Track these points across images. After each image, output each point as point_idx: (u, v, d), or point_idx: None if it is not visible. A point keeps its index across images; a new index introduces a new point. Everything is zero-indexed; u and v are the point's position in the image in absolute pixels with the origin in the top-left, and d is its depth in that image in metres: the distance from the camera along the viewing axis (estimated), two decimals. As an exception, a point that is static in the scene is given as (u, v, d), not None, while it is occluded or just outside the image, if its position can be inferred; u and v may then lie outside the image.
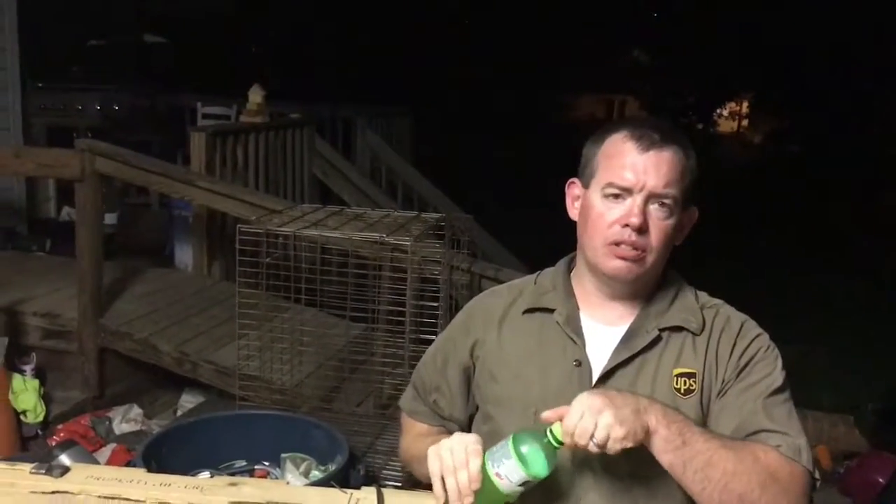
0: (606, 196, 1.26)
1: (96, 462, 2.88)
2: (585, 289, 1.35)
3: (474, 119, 17.62)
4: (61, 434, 3.33)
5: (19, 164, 3.89)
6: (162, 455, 2.42)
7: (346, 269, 2.86)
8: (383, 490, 1.28)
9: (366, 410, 3.11)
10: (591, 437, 1.10)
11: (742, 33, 17.56)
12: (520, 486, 1.14)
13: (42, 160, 3.84)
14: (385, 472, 2.78)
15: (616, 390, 1.19)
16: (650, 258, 1.26)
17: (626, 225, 1.24)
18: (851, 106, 15.43)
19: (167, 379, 3.76)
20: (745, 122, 28.92)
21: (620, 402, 1.13)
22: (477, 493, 1.14)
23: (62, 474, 1.27)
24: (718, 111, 24.73)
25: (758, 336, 1.31)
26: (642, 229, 1.24)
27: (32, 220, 5.50)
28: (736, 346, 1.29)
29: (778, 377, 1.27)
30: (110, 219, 5.14)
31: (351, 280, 2.85)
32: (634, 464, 1.22)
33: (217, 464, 2.55)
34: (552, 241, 1.86)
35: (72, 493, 1.24)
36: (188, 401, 3.82)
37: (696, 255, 1.82)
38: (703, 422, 1.25)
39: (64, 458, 2.58)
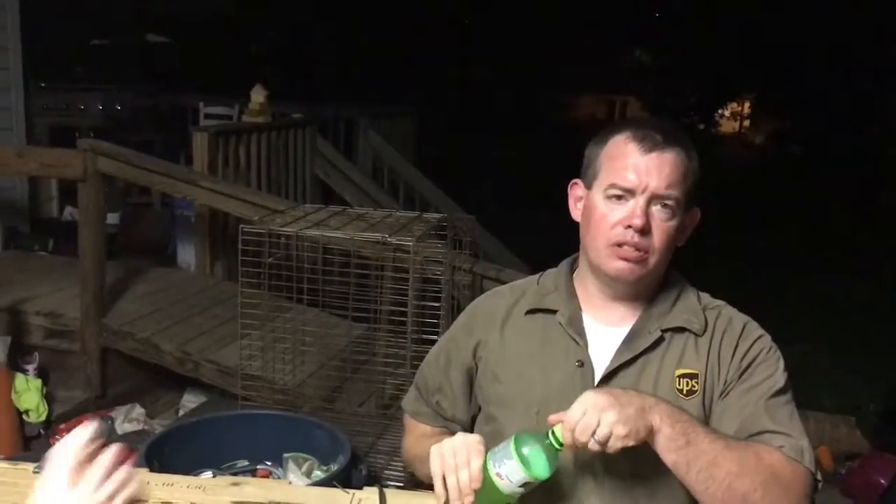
0: (609, 197, 1.26)
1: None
2: (588, 290, 1.35)
3: (475, 119, 17.58)
4: (64, 434, 3.33)
5: (22, 164, 3.90)
6: (164, 455, 2.42)
7: (348, 269, 2.85)
8: (385, 490, 1.29)
9: (368, 410, 3.11)
10: (593, 434, 1.10)
11: (743, 33, 17.52)
12: (520, 486, 1.14)
13: (45, 160, 3.85)
14: (387, 472, 2.78)
15: (621, 389, 1.19)
16: (652, 259, 1.26)
17: (629, 226, 1.24)
18: (851, 106, 15.37)
19: (169, 379, 3.76)
20: (746, 123, 28.87)
21: (625, 401, 1.13)
22: (477, 493, 1.14)
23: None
24: (720, 111, 24.68)
25: (760, 337, 1.31)
26: (645, 230, 1.24)
27: (35, 220, 5.49)
28: (738, 347, 1.29)
29: (780, 378, 1.27)
30: (113, 218, 5.15)
31: (353, 280, 2.84)
32: (636, 464, 1.22)
33: (219, 464, 2.55)
34: (554, 241, 1.86)
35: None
36: (190, 400, 3.82)
37: (697, 256, 1.82)
38: (705, 423, 1.25)
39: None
